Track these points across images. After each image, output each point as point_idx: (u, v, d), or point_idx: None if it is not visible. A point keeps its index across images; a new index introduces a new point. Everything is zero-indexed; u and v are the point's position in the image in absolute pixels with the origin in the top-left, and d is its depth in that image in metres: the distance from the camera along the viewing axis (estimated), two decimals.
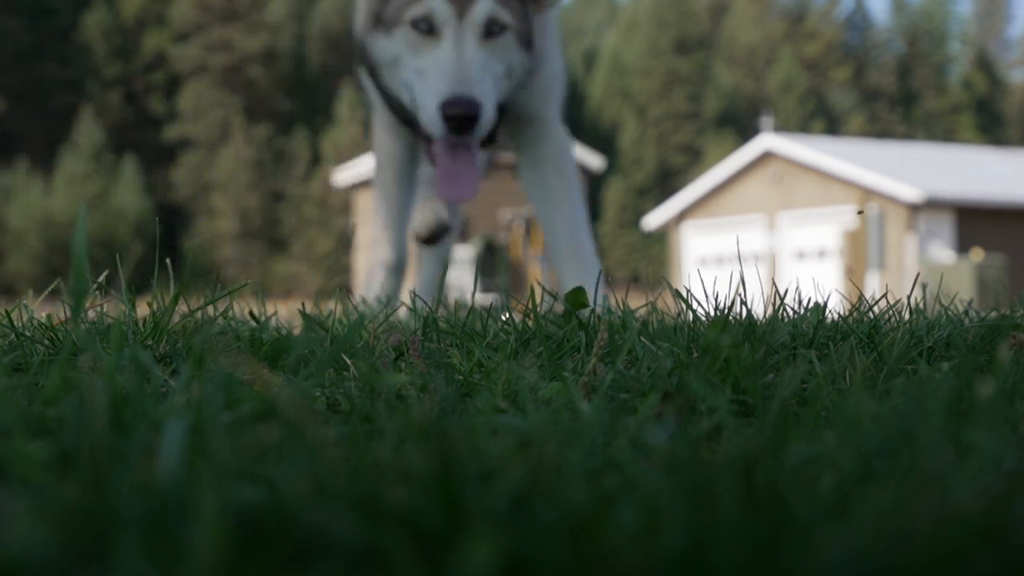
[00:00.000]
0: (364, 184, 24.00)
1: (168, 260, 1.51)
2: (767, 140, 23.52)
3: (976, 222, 21.25)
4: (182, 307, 1.37)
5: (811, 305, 1.57)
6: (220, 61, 43.61)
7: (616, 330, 1.30)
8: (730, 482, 0.52)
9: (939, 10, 57.73)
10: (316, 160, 42.13)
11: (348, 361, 1.15)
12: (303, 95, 45.39)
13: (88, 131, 40.68)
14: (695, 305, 1.46)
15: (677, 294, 1.50)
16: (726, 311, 1.35)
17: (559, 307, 1.52)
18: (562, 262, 2.66)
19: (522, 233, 20.91)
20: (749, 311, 1.36)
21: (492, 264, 20.43)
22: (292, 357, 1.14)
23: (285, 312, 1.62)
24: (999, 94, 55.75)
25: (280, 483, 0.54)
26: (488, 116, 2.32)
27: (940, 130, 49.83)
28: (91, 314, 1.44)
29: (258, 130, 42.61)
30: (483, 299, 2.20)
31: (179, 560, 0.47)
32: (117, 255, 1.54)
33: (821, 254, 22.01)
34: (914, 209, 20.83)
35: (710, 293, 1.46)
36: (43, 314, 1.47)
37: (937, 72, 54.94)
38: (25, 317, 1.45)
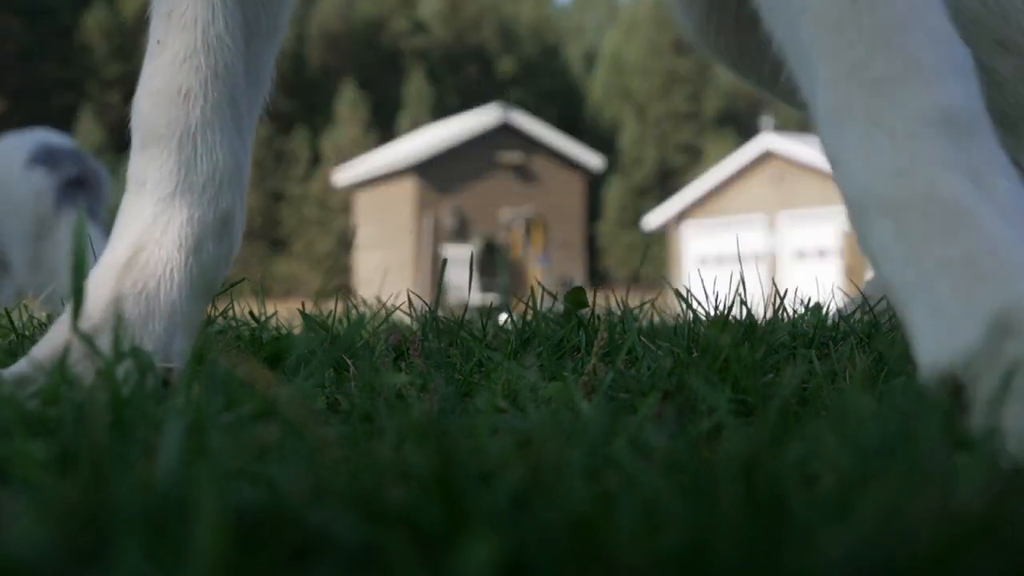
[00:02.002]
0: (364, 184, 23.94)
1: None
2: (767, 140, 23.49)
3: None
4: None
5: (811, 305, 1.57)
6: None
7: (616, 329, 1.30)
8: (730, 482, 0.52)
9: None
10: (316, 160, 42.12)
11: (348, 361, 1.15)
12: (303, 95, 45.37)
13: (88, 131, 40.65)
14: (695, 305, 1.46)
15: (677, 294, 1.50)
16: (726, 311, 1.35)
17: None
18: None
19: (522, 233, 20.86)
20: (749, 311, 1.36)
21: (492, 264, 20.38)
22: (292, 357, 1.14)
23: (285, 312, 1.62)
24: None
25: (280, 483, 0.54)
26: None
27: None
28: None
29: (258, 130, 42.44)
30: (483, 299, 2.17)
31: (179, 560, 0.47)
32: None
33: (821, 254, 21.98)
34: None
35: (710, 293, 1.46)
36: (43, 314, 1.48)
37: None
38: (25, 317, 1.45)
